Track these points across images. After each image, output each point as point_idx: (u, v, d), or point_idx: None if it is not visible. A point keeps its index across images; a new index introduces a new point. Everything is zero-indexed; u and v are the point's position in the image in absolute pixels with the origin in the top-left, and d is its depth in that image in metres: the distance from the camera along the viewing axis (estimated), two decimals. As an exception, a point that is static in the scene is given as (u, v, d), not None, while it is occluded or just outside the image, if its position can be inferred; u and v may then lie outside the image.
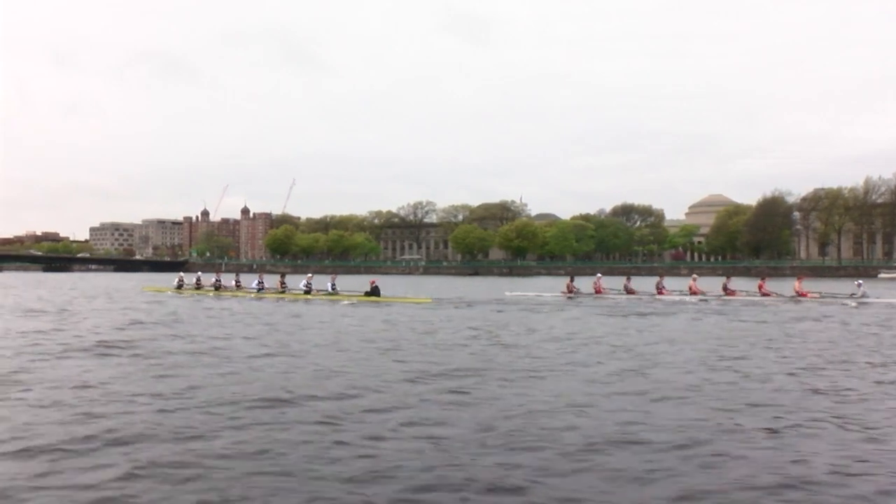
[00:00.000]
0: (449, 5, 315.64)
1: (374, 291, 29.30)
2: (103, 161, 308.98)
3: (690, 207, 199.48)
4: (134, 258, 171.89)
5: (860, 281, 31.09)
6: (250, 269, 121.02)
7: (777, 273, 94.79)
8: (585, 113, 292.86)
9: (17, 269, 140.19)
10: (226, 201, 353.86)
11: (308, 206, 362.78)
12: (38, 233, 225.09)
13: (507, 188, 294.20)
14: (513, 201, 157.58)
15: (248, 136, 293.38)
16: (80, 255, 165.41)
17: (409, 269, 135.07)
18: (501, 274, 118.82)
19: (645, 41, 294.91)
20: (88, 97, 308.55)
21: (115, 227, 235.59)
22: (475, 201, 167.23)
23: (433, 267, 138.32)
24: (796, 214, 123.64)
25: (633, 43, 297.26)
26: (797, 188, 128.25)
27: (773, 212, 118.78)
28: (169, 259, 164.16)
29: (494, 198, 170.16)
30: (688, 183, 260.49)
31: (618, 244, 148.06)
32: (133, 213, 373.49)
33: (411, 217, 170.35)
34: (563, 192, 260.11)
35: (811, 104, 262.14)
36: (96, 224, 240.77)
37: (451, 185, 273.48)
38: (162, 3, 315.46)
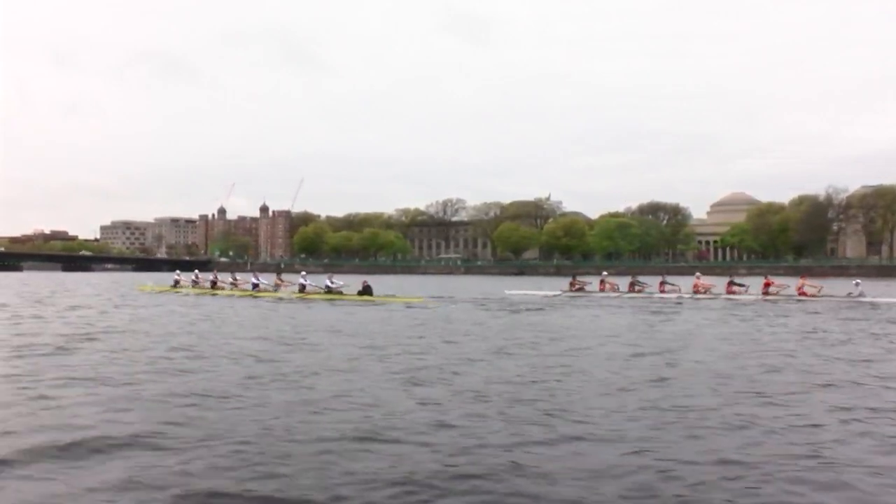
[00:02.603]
0: (449, 5, 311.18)
1: (367, 290, 29.53)
2: (103, 161, 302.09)
3: (712, 206, 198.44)
4: (154, 257, 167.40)
5: (858, 280, 33.06)
6: (278, 269, 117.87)
7: (845, 273, 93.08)
8: (585, 113, 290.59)
9: (32, 269, 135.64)
10: (228, 201, 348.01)
11: (308, 206, 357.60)
12: (47, 231, 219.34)
13: (507, 188, 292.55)
14: (547, 199, 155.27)
15: (248, 136, 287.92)
16: (101, 255, 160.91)
17: (448, 269, 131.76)
18: (548, 273, 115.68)
19: (645, 41, 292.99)
20: (88, 97, 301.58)
21: (127, 226, 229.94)
22: (475, 201, 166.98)
23: (473, 266, 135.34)
24: (845, 213, 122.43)
25: (633, 43, 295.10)
26: (801, 187, 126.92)
27: (823, 211, 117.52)
28: (188, 258, 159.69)
29: (495, 197, 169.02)
30: (688, 183, 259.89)
31: (650, 242, 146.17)
32: (134, 212, 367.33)
33: (440, 215, 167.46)
34: (563, 192, 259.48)
35: (811, 104, 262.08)
36: (98, 223, 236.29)
37: (452, 185, 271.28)
38: (162, 3, 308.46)
